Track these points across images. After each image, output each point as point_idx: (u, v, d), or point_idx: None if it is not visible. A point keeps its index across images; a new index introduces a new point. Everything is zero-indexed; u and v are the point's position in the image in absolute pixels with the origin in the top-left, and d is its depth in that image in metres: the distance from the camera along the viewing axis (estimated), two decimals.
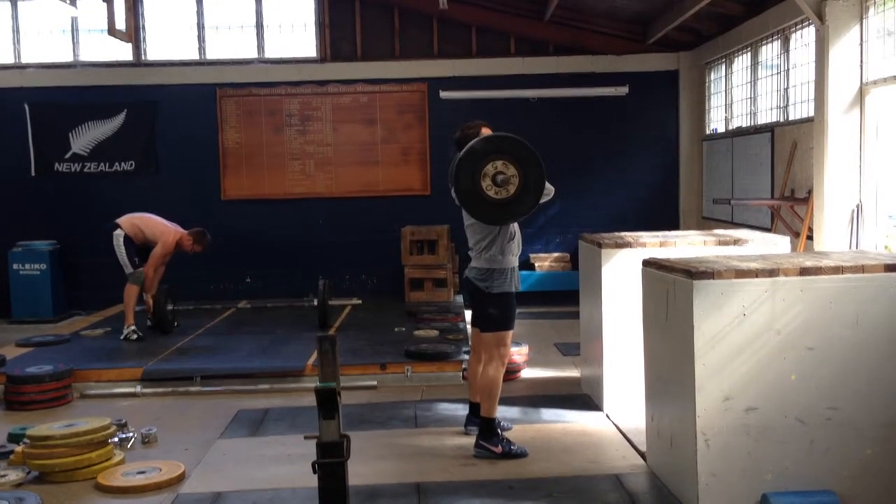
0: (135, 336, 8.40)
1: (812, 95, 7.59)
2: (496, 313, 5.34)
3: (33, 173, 11.13)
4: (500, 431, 5.35)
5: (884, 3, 6.77)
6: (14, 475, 5.02)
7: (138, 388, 6.97)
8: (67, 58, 11.21)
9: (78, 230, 11.04)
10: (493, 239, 5.28)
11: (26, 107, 11.03)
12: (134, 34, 9.71)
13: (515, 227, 5.40)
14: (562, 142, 11.10)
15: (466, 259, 5.54)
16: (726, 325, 4.19)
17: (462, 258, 11.09)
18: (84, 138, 11.13)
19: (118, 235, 8.62)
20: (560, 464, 5.11)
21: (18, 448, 5.31)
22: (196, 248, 8.87)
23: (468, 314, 6.22)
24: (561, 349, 8.24)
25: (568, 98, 11.05)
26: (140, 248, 8.73)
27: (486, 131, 5.43)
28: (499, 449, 5.19)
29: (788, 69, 8.38)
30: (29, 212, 11.07)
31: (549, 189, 5.24)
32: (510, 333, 5.42)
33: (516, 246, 5.40)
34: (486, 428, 5.28)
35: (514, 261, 5.39)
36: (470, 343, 5.90)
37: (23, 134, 11.06)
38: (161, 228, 8.77)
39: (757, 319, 4.20)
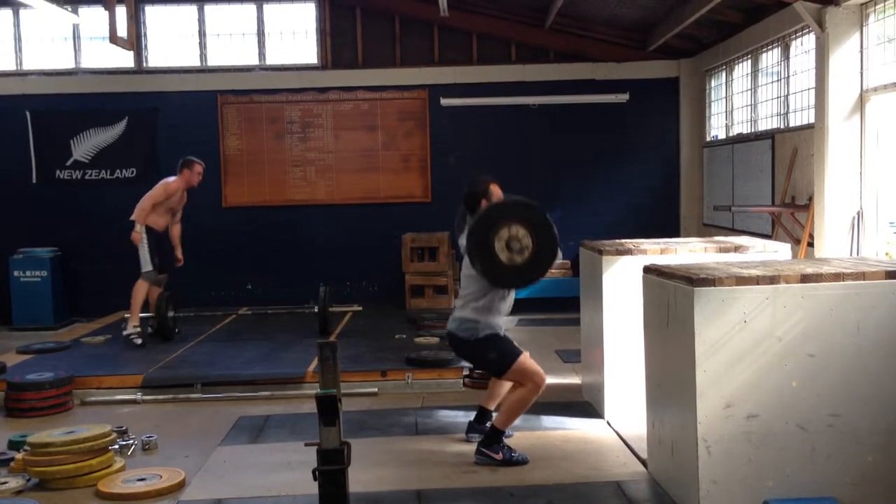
0: (139, 341, 8.39)
1: (812, 102, 7.60)
2: (496, 355, 5.27)
3: (34, 180, 11.14)
4: (502, 439, 5.34)
5: (884, 11, 6.78)
6: (14, 482, 5.01)
7: (139, 395, 6.97)
8: (69, 65, 11.24)
9: (79, 237, 11.06)
10: (486, 293, 5.23)
11: (28, 114, 11.05)
12: (135, 41, 9.72)
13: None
14: (562, 149, 11.12)
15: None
16: (727, 332, 4.19)
17: (461, 265, 11.08)
18: (85, 145, 11.14)
19: (138, 225, 8.55)
20: (561, 471, 5.10)
21: (19, 455, 5.30)
22: (197, 170, 8.77)
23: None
24: (562, 356, 8.24)
25: (568, 105, 11.07)
26: (162, 236, 8.65)
27: (494, 188, 5.49)
28: (500, 456, 5.19)
29: (789, 76, 8.39)
30: (30, 219, 11.07)
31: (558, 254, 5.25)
32: (523, 360, 5.28)
33: (507, 305, 5.36)
34: (492, 436, 5.27)
35: (500, 320, 5.32)
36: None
37: (24, 141, 11.08)
38: (158, 186, 8.70)
39: (758, 326, 4.20)
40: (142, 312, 8.67)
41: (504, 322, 5.40)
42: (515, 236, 5.01)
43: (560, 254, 5.28)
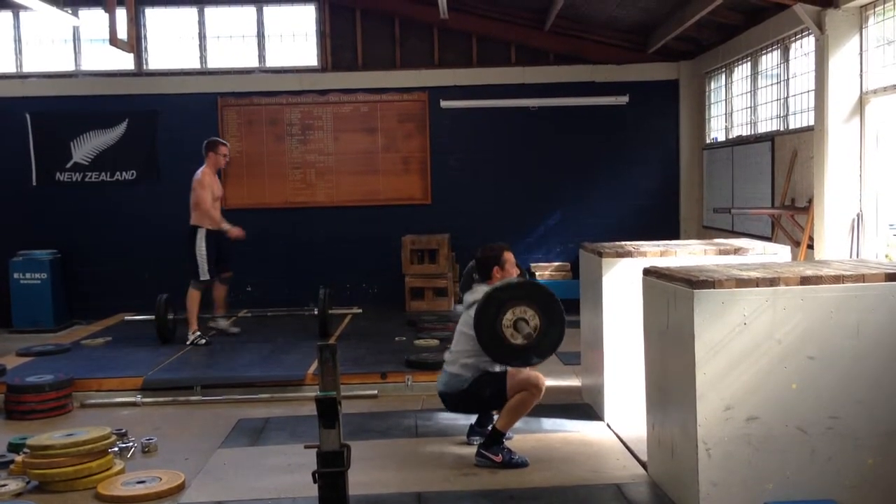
0: (202, 341, 8.43)
1: (812, 105, 7.60)
2: (490, 390, 5.29)
3: (34, 182, 11.14)
4: (503, 441, 5.34)
5: (883, 13, 6.78)
6: (14, 485, 5.01)
7: (138, 398, 6.96)
8: (69, 67, 11.24)
9: (79, 239, 11.06)
10: (478, 354, 5.24)
11: (28, 116, 11.05)
12: (135, 44, 9.71)
13: None
14: (562, 151, 11.13)
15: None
16: (727, 335, 4.19)
17: (462, 267, 11.09)
18: (85, 147, 11.15)
19: (201, 232, 8.55)
20: (561, 473, 5.10)
21: (18, 457, 5.30)
22: (222, 152, 8.81)
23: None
24: (561, 358, 8.21)
25: (568, 107, 11.07)
26: (219, 234, 8.61)
27: (508, 255, 5.49)
28: (499, 458, 5.19)
29: (788, 78, 8.39)
30: (30, 221, 11.08)
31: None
32: (512, 372, 5.30)
33: (497, 367, 5.36)
34: (493, 438, 5.28)
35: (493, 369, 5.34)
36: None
37: (24, 143, 11.08)
38: (193, 186, 8.66)
39: (758, 328, 4.20)
40: (202, 313, 8.69)
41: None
42: (525, 318, 5.03)
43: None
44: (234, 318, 9.02)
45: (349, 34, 11.20)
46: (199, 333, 8.54)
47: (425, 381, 7.12)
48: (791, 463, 4.23)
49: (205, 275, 8.56)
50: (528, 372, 5.32)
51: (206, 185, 8.66)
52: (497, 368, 5.34)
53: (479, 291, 5.29)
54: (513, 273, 5.48)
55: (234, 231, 8.65)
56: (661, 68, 11.12)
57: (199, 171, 8.79)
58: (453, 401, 5.44)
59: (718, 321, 4.19)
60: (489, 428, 5.44)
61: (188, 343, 8.45)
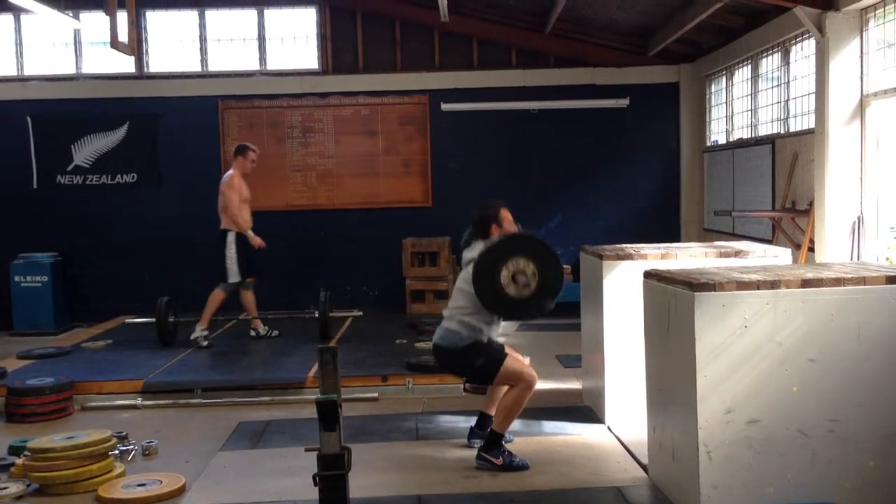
0: (205, 343, 8.43)
1: (812, 107, 7.60)
2: (483, 361, 5.27)
3: (35, 185, 11.14)
4: (502, 443, 5.34)
5: (884, 16, 6.79)
6: (15, 487, 5.01)
7: (139, 401, 6.96)
8: (70, 70, 11.25)
9: (79, 242, 11.07)
10: (476, 312, 5.22)
11: (29, 119, 11.06)
12: (136, 47, 9.72)
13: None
14: (563, 154, 11.13)
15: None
16: (728, 337, 4.19)
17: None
18: (86, 150, 11.15)
19: (231, 235, 8.54)
20: (561, 476, 5.09)
21: (19, 460, 5.31)
22: (251, 157, 8.76)
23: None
24: (562, 361, 8.23)
25: (569, 110, 11.07)
26: (248, 246, 8.60)
27: (505, 213, 5.47)
28: (500, 461, 5.19)
29: (789, 81, 8.40)
30: (31, 224, 11.08)
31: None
32: (510, 361, 5.30)
33: (498, 328, 5.36)
34: (492, 440, 5.27)
35: (489, 335, 5.32)
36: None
37: (25, 146, 11.08)
38: (222, 189, 8.62)
39: (758, 331, 4.20)
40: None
41: (496, 334, 5.39)
42: (522, 270, 5.03)
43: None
44: (269, 327, 9.14)
45: (350, 37, 11.21)
46: (206, 334, 8.53)
47: (426, 384, 7.13)
48: (792, 466, 4.23)
49: (234, 277, 8.56)
50: (523, 366, 5.34)
51: (235, 188, 8.62)
52: (494, 337, 5.31)
53: (477, 249, 5.27)
54: (511, 231, 5.45)
55: (256, 240, 8.58)
56: (661, 71, 11.12)
57: (226, 175, 8.76)
58: (444, 356, 5.41)
59: (719, 324, 4.19)
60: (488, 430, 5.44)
61: (192, 337, 8.46)
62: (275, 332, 9.04)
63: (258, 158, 9.01)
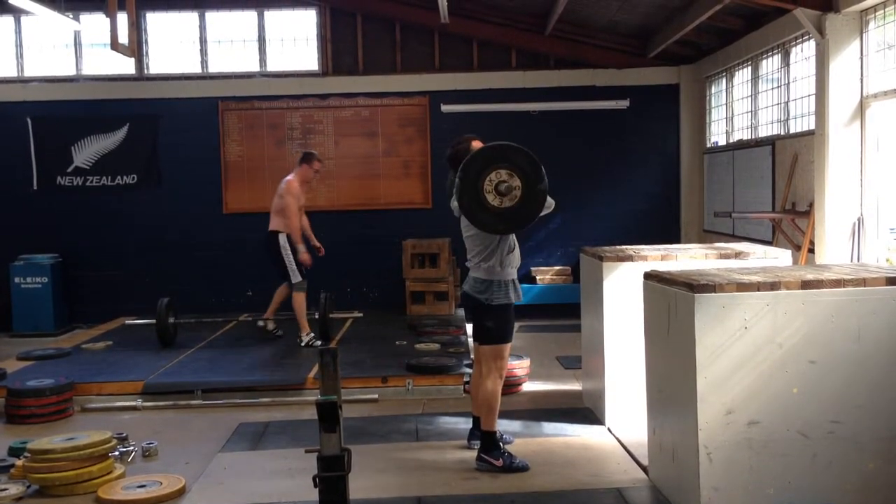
0: (317, 342, 8.42)
1: (813, 109, 7.60)
2: (493, 326, 5.33)
3: (35, 187, 11.14)
4: (501, 444, 5.34)
5: (884, 17, 6.79)
6: (14, 489, 5.01)
7: (139, 402, 6.96)
8: (70, 72, 11.26)
9: (80, 244, 11.07)
10: (492, 250, 5.26)
11: (29, 121, 11.06)
12: (137, 48, 9.73)
13: (514, 239, 5.38)
14: (563, 155, 11.11)
15: (467, 272, 5.55)
16: (728, 339, 4.19)
17: (463, 271, 11.07)
18: (86, 152, 11.16)
19: (283, 237, 8.51)
20: (562, 478, 5.09)
21: (19, 462, 5.30)
22: (315, 167, 8.70)
23: (469, 327, 6.21)
24: (562, 362, 8.23)
25: (569, 111, 11.08)
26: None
27: (476, 144, 5.43)
28: (500, 462, 5.18)
29: (789, 83, 8.40)
30: (31, 225, 11.08)
31: (550, 202, 5.23)
32: (508, 346, 5.41)
33: (516, 258, 5.38)
34: (486, 441, 5.27)
35: (513, 273, 5.38)
36: (472, 356, 5.87)
37: (25, 148, 11.09)
38: (281, 193, 8.56)
39: (758, 333, 4.20)
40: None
41: (513, 266, 5.37)
42: (503, 179, 4.98)
43: (552, 202, 5.21)
44: (277, 326, 9.14)
45: (350, 38, 11.21)
46: (312, 335, 8.52)
47: (426, 385, 7.13)
48: (792, 467, 4.22)
49: (296, 276, 8.53)
50: (507, 355, 5.40)
51: (295, 195, 8.56)
52: (512, 273, 5.31)
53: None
54: None
55: (304, 256, 8.49)
56: (661, 72, 11.13)
57: (287, 180, 8.64)
58: (470, 304, 5.43)
59: (719, 325, 4.19)
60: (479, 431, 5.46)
61: (302, 344, 8.43)
62: (279, 332, 9.03)
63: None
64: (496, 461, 5.19)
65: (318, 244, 8.94)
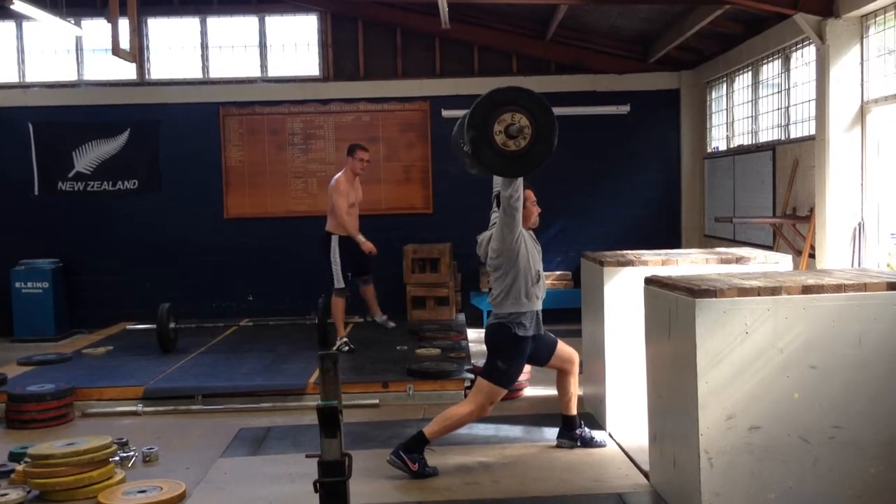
0: (346, 348, 8.41)
1: (813, 114, 7.61)
2: (504, 367, 5.28)
3: (36, 192, 11.15)
4: (424, 450, 5.30)
5: (884, 22, 6.80)
6: (15, 494, 5.00)
7: (139, 407, 6.96)
8: (71, 77, 11.27)
9: (81, 249, 11.07)
10: (510, 285, 5.23)
11: (30, 126, 11.07)
12: (138, 54, 9.75)
13: (540, 268, 5.37)
14: (563, 160, 11.04)
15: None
16: (729, 344, 4.19)
17: (464, 276, 11.09)
18: (87, 157, 11.16)
19: (335, 239, 8.53)
20: (563, 483, 5.09)
21: (19, 467, 5.30)
22: (359, 157, 8.66)
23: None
24: None
25: (569, 117, 11.04)
26: (351, 241, 8.55)
27: (528, 193, 5.46)
28: (415, 466, 5.20)
29: (789, 88, 8.40)
30: (32, 230, 11.08)
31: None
32: (502, 393, 5.35)
33: (541, 289, 5.35)
34: (416, 443, 5.27)
35: (538, 304, 5.35)
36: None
37: (26, 153, 11.10)
38: (330, 192, 8.59)
39: (759, 338, 4.20)
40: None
41: (534, 320, 5.32)
42: (513, 122, 4.93)
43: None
44: (387, 316, 9.37)
45: (351, 44, 11.23)
46: (345, 340, 8.51)
47: (427, 391, 7.13)
48: (793, 472, 4.22)
49: (339, 283, 8.54)
50: (497, 398, 5.33)
51: (343, 193, 8.56)
52: (535, 304, 5.28)
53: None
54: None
55: (367, 245, 8.51)
56: (662, 78, 11.14)
57: (335, 179, 8.68)
58: (488, 339, 5.42)
59: (720, 330, 4.19)
60: (579, 431, 5.62)
61: (335, 348, 8.40)
62: (391, 324, 9.26)
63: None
64: (412, 465, 5.20)
65: (365, 241, 8.79)
